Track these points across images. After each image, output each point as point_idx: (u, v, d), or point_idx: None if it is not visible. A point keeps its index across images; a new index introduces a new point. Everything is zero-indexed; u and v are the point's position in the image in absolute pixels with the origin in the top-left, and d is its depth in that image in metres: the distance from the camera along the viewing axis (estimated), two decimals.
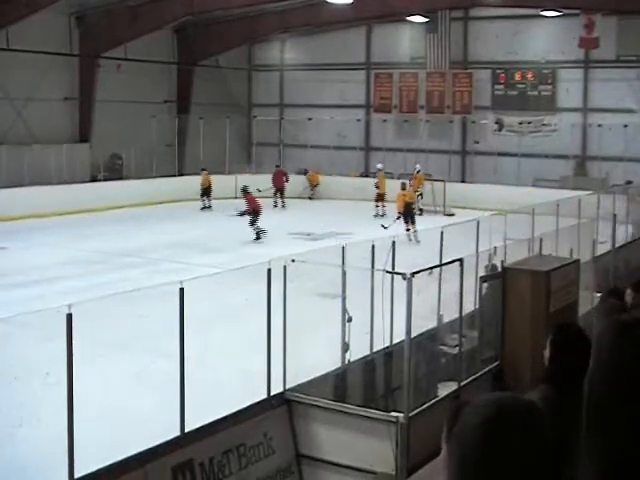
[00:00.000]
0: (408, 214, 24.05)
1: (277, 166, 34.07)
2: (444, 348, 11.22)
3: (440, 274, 11.46)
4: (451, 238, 12.67)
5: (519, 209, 16.38)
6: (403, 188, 25.12)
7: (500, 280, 11.26)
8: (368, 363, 11.34)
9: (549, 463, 1.66)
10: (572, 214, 15.84)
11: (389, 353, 11.17)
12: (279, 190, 32.10)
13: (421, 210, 29.38)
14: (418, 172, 30.72)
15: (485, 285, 11.50)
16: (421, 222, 23.74)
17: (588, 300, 11.75)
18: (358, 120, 37.10)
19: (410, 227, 23.59)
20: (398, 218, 24.03)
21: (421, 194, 30.06)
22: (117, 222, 26.99)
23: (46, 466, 8.48)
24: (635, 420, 1.65)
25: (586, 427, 1.72)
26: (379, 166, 31.72)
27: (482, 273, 11.80)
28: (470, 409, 1.67)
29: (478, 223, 13.61)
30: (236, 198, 31.42)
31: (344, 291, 10.66)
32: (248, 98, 40.34)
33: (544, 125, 33.50)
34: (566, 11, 30.88)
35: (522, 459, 1.61)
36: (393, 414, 8.93)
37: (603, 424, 1.69)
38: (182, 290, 8.33)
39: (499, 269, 11.54)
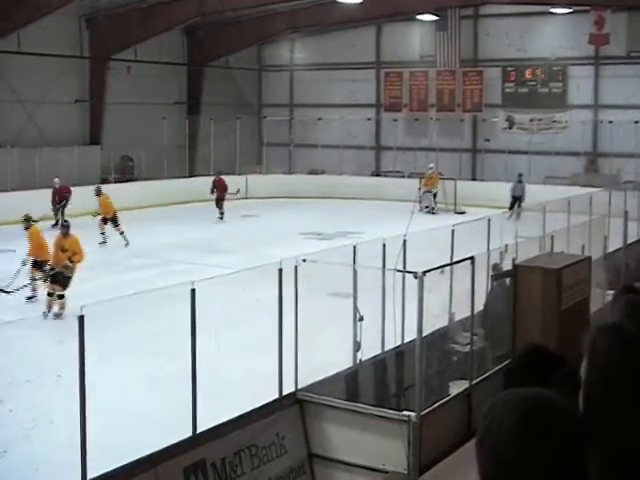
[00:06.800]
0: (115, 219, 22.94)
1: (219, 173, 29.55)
2: (455, 346, 11.21)
3: (451, 272, 11.45)
4: (462, 236, 12.65)
5: (530, 207, 16.34)
6: (98, 194, 23.12)
7: (508, 278, 11.25)
8: (379, 362, 11.33)
9: (583, 460, 1.60)
10: (583, 211, 15.80)
11: (400, 352, 11.16)
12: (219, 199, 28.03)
13: (433, 208, 29.35)
14: (431, 170, 30.58)
15: (494, 284, 11.49)
16: (432, 220, 23.71)
17: (600, 297, 11.71)
18: (368, 119, 37.07)
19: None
20: (106, 222, 22.74)
21: (435, 194, 30.05)
22: (128, 224, 27.05)
23: (59, 467, 8.51)
24: (633, 415, 1.65)
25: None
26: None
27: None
28: (505, 404, 1.61)
29: (489, 221, 13.59)
30: (246, 199, 31.65)
31: (355, 290, 10.66)
32: (258, 98, 40.36)
33: (555, 122, 33.38)
34: (576, 8, 30.79)
35: (559, 457, 1.56)
36: (405, 413, 8.93)
37: (604, 421, 1.68)
38: (193, 291, 8.35)
39: (503, 269, 11.54)
